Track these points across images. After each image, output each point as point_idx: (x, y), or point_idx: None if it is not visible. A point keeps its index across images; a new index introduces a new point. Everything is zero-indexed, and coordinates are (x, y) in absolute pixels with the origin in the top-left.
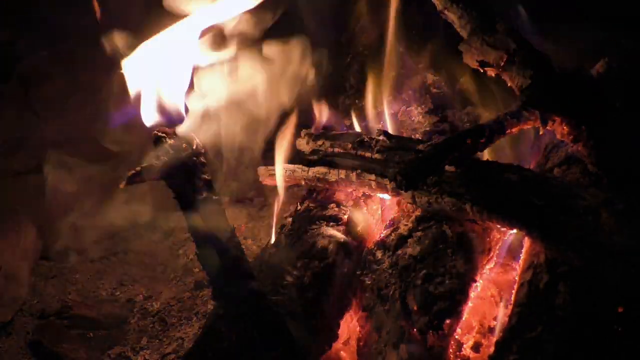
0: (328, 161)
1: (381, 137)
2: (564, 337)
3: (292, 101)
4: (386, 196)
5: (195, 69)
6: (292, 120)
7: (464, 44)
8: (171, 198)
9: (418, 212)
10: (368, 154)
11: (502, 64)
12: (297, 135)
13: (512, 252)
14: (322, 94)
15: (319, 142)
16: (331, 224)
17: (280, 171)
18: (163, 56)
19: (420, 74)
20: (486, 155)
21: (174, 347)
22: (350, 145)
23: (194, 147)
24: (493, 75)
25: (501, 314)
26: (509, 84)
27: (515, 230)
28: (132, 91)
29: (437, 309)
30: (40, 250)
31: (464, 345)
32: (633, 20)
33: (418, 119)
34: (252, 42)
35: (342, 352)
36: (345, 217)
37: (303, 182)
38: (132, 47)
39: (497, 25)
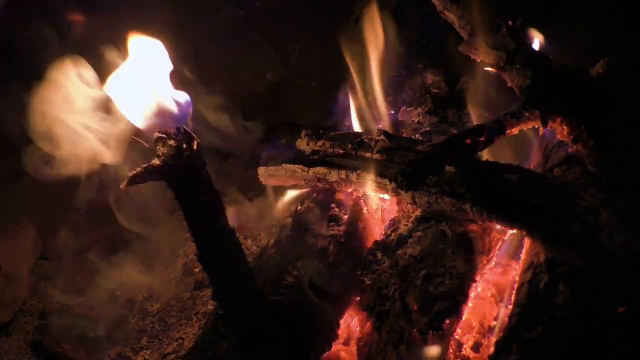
0: (328, 161)
1: (381, 138)
2: (564, 337)
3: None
4: (386, 196)
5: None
6: None
7: (464, 45)
8: (172, 198)
9: (418, 212)
10: (368, 154)
11: (502, 64)
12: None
13: (512, 252)
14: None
15: (319, 143)
16: (331, 224)
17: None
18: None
19: (420, 74)
20: (486, 155)
21: (174, 347)
22: (350, 146)
23: (195, 148)
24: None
25: (501, 314)
26: (509, 84)
27: (515, 230)
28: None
29: (437, 309)
30: (40, 250)
31: (464, 345)
32: (633, 20)
33: (418, 119)
34: None
35: (342, 352)
36: (346, 217)
37: (303, 183)
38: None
39: (500, 26)
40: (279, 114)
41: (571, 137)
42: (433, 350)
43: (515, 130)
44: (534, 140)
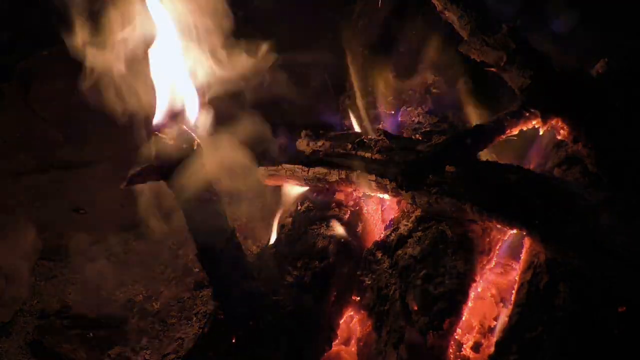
0: (328, 161)
1: (381, 138)
2: (564, 337)
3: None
4: (386, 196)
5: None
6: None
7: (464, 45)
8: (171, 198)
9: (418, 212)
10: (368, 154)
11: (502, 64)
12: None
13: (512, 252)
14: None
15: (319, 143)
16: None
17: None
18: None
19: (420, 74)
20: (486, 155)
21: (174, 347)
22: (350, 146)
23: (194, 148)
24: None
25: (501, 314)
26: (509, 84)
27: (515, 230)
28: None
29: (437, 309)
30: (40, 250)
31: (464, 345)
32: (633, 20)
33: (418, 119)
34: None
35: (342, 352)
36: (346, 217)
37: (303, 183)
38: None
39: (499, 26)
40: (279, 114)
41: (571, 137)
42: None
43: (515, 130)
44: (534, 141)
